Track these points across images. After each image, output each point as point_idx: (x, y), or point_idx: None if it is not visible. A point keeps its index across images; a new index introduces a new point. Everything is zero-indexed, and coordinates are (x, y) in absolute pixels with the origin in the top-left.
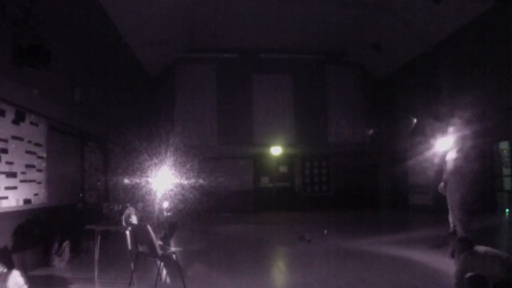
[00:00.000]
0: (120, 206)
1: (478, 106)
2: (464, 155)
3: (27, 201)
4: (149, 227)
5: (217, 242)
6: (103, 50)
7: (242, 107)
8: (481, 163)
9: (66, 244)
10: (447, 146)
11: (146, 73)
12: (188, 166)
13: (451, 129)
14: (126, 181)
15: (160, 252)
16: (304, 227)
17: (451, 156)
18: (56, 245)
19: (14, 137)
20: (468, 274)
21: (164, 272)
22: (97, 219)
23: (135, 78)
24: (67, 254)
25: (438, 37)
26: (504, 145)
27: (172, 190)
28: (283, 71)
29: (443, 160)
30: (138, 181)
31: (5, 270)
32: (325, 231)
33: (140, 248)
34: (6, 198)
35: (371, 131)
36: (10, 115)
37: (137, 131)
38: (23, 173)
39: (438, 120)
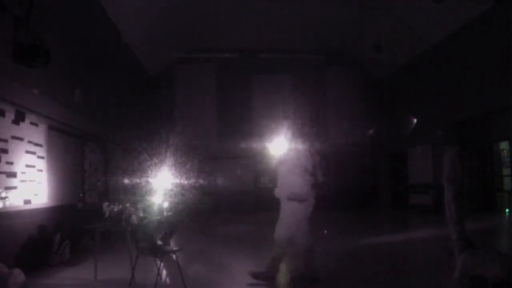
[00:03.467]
0: (120, 206)
1: (477, 107)
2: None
3: (27, 201)
4: (149, 227)
5: (217, 242)
6: (103, 50)
7: (242, 107)
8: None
9: (66, 244)
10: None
11: (146, 73)
12: (188, 166)
13: (287, 129)
14: (126, 181)
15: (160, 252)
16: None
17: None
18: (56, 245)
19: (14, 137)
20: (468, 274)
21: (164, 272)
22: (97, 219)
23: (135, 78)
24: (67, 254)
25: (438, 37)
26: (504, 145)
27: (172, 190)
28: (283, 71)
29: (279, 162)
30: (138, 181)
31: (5, 270)
32: (325, 231)
33: (140, 248)
34: (6, 198)
35: (371, 131)
36: (10, 115)
37: (137, 131)
38: (23, 173)
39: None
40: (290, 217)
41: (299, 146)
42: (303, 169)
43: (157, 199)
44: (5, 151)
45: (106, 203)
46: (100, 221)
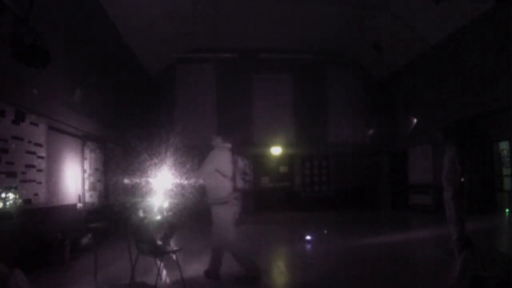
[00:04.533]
0: (120, 206)
1: (478, 106)
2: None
3: (27, 201)
4: (149, 227)
5: None
6: (103, 50)
7: (242, 107)
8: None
9: (66, 244)
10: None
11: (146, 73)
12: (188, 166)
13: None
14: (126, 181)
15: (160, 252)
16: (304, 227)
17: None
18: (56, 245)
19: (14, 137)
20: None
21: (164, 272)
22: (97, 219)
23: (135, 78)
24: (67, 254)
25: (438, 37)
26: (504, 145)
27: (172, 190)
28: (283, 71)
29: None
30: (138, 181)
31: (5, 270)
32: (325, 231)
33: (140, 248)
34: (6, 198)
35: (371, 131)
36: (10, 115)
37: (137, 131)
38: (23, 173)
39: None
40: (220, 222)
41: (223, 155)
42: (224, 174)
43: (157, 199)
44: (5, 151)
45: (106, 203)
46: (100, 221)
